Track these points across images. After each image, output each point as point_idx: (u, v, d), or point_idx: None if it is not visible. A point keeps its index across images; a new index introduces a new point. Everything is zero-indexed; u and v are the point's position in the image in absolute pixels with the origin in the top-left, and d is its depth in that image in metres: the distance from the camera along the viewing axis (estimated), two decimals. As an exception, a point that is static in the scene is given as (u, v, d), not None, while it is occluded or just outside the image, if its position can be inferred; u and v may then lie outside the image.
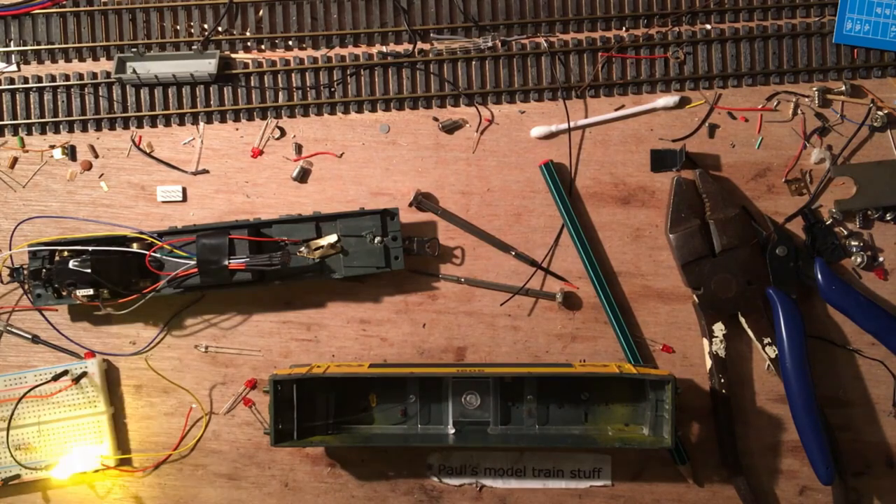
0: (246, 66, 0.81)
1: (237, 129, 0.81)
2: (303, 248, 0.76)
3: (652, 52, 0.81)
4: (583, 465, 0.80)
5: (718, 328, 0.79)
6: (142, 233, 0.77)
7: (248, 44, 0.82)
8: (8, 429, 0.77)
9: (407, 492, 0.80)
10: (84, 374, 0.78)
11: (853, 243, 0.80)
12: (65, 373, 0.77)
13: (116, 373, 0.80)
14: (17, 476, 0.77)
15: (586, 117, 0.81)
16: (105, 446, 0.78)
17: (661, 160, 0.80)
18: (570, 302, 0.81)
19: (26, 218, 0.80)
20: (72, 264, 0.73)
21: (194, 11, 0.81)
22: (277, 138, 0.81)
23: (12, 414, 0.76)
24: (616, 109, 0.81)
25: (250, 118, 0.81)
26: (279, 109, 0.81)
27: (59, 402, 0.78)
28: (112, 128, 0.81)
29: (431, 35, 0.82)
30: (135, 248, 0.76)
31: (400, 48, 0.81)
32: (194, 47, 0.80)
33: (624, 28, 0.82)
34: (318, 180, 0.81)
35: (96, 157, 0.81)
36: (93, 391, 0.78)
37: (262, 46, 0.82)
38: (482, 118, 0.81)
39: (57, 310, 0.80)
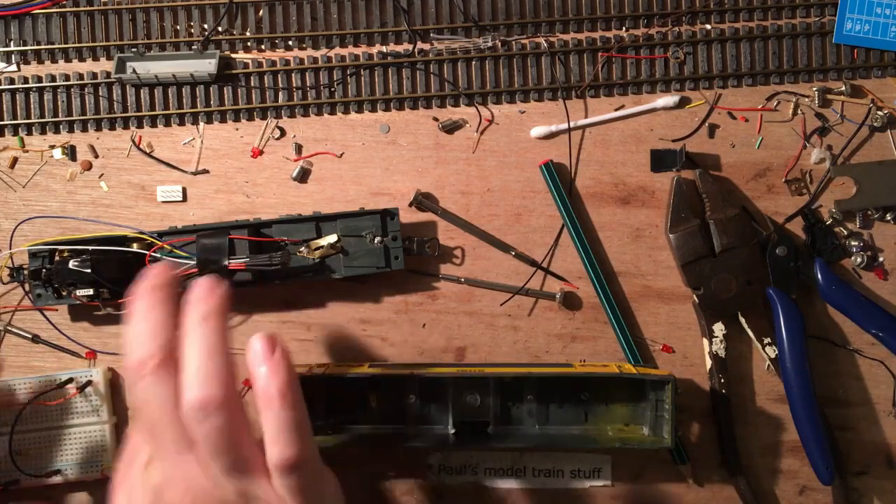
0: (246, 66, 0.81)
1: (237, 129, 0.81)
2: (303, 248, 0.76)
3: (652, 52, 0.81)
4: (583, 465, 0.80)
5: (718, 328, 0.79)
6: (142, 233, 0.77)
7: (248, 44, 0.82)
8: (11, 434, 0.76)
9: (407, 492, 0.80)
10: (89, 383, 0.77)
11: (853, 243, 0.80)
12: (70, 381, 0.77)
13: (119, 379, 0.80)
14: (17, 482, 0.77)
15: (586, 117, 0.81)
16: (107, 455, 0.78)
17: (661, 160, 0.80)
18: (570, 302, 0.81)
19: (26, 218, 0.80)
20: (72, 264, 0.73)
21: (194, 11, 0.81)
22: (277, 138, 0.81)
23: (15, 420, 0.76)
24: (616, 109, 0.81)
25: (250, 118, 0.81)
26: (279, 109, 0.81)
27: (62, 409, 0.78)
28: (112, 128, 0.81)
29: (431, 35, 0.82)
30: (135, 248, 0.76)
31: (400, 48, 0.81)
32: (194, 47, 0.80)
33: (624, 28, 0.82)
34: (318, 180, 0.81)
35: (96, 157, 0.81)
36: (96, 399, 0.78)
37: (262, 46, 0.82)
38: (482, 118, 0.81)
39: (57, 310, 0.80)
